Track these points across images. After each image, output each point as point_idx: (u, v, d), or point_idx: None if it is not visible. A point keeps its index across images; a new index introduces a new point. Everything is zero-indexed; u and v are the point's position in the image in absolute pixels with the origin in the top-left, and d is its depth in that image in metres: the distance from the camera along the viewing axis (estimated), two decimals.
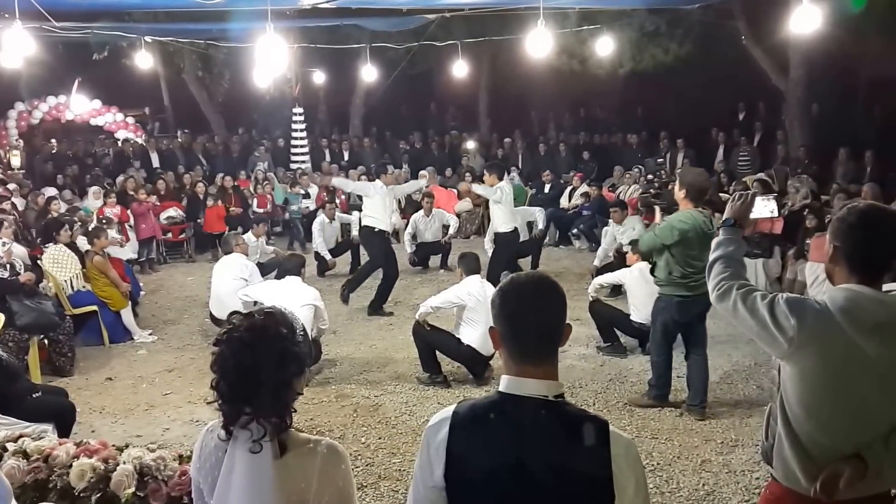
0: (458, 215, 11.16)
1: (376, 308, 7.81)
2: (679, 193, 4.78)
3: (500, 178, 7.93)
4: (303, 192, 12.33)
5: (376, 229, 7.82)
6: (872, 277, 2.01)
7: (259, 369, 1.69)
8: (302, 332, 1.81)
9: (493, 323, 1.68)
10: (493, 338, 1.68)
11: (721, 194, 10.05)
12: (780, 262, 8.13)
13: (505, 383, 1.64)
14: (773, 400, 2.15)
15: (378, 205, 7.85)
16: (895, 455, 1.98)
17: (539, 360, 1.62)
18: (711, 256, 2.30)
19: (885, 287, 2.06)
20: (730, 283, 2.18)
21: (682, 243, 4.65)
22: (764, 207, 2.48)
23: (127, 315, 7.22)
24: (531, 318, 1.62)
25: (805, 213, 8.22)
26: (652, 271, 4.96)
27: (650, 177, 11.73)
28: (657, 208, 6.45)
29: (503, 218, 8.03)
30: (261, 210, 11.76)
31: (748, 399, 5.31)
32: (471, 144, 14.57)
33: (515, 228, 8.25)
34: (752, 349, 6.09)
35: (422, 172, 13.04)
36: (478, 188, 8.37)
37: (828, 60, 11.49)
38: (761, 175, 11.00)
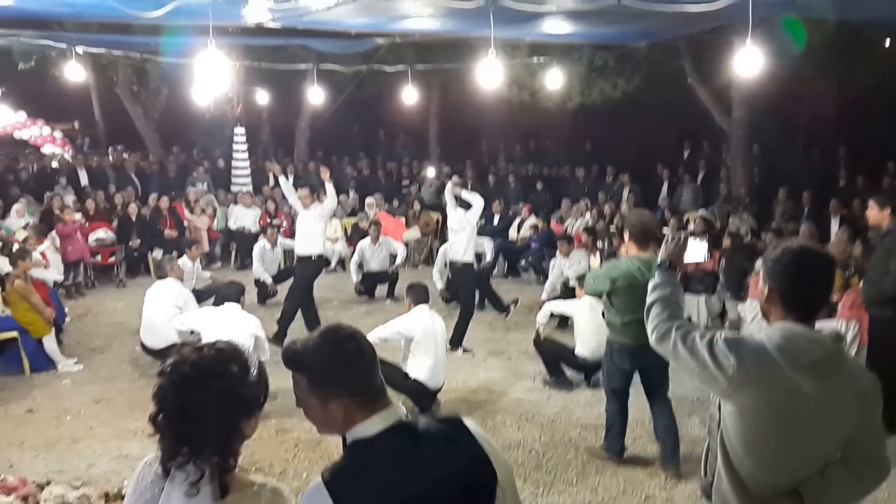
0: (406, 244, 11.01)
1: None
2: (626, 241, 4.66)
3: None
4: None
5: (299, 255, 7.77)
6: (806, 316, 2.06)
7: (201, 408, 1.61)
8: (256, 373, 1.72)
9: (338, 387, 1.65)
10: (339, 411, 1.65)
11: (664, 228, 10.25)
12: (722, 298, 8.27)
13: (357, 433, 1.64)
14: (712, 437, 2.18)
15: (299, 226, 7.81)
16: (830, 490, 2.04)
17: (381, 395, 1.68)
18: (649, 299, 2.33)
19: (818, 325, 2.11)
20: (668, 325, 2.22)
21: (615, 292, 4.50)
22: (697, 250, 2.56)
23: (50, 342, 6.85)
24: (367, 363, 1.69)
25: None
26: (603, 314, 4.86)
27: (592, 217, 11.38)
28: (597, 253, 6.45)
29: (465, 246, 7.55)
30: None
31: (691, 435, 5.30)
32: (430, 172, 14.45)
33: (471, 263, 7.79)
34: (694, 385, 6.11)
35: (368, 200, 12.87)
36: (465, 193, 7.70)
37: (769, 102, 11.83)
38: (704, 212, 11.26)
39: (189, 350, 1.70)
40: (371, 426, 1.64)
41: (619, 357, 4.68)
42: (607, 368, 4.84)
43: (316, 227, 7.56)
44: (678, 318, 2.24)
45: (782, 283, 2.06)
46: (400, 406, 1.71)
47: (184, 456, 1.62)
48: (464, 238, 7.42)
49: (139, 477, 1.73)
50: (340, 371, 1.65)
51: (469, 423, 1.73)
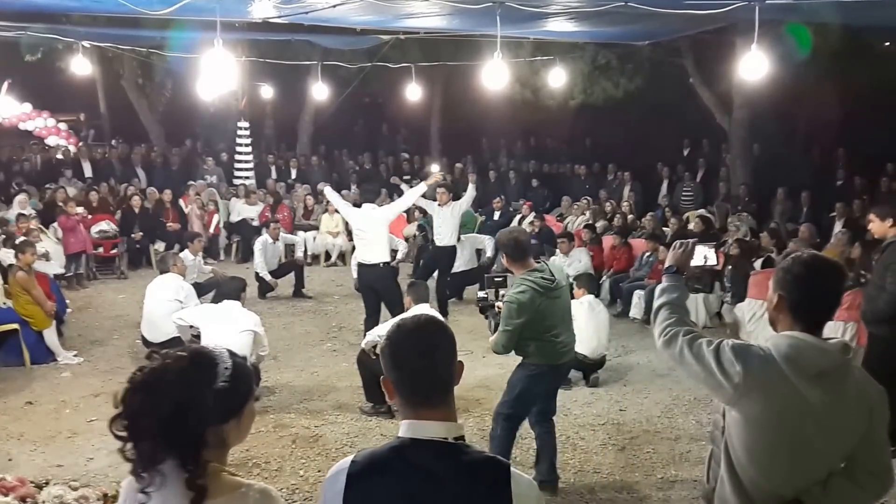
0: (406, 239, 11.03)
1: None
2: (506, 262, 4.30)
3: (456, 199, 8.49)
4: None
5: (368, 263, 6.89)
6: (815, 325, 2.06)
7: (155, 417, 1.60)
8: (226, 380, 1.61)
9: (386, 372, 1.65)
10: (386, 388, 1.66)
11: (664, 228, 10.26)
12: (721, 297, 8.28)
13: (405, 428, 1.62)
14: (716, 444, 2.17)
15: (372, 235, 6.89)
16: (833, 500, 2.04)
17: (435, 403, 1.62)
18: (656, 303, 2.34)
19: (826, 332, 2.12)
20: (675, 330, 2.22)
21: (530, 313, 4.03)
22: (703, 256, 2.60)
23: (50, 335, 6.85)
24: (424, 363, 1.62)
25: (730, 244, 8.50)
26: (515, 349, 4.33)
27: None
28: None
29: (444, 232, 8.43)
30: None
31: (688, 434, 5.31)
32: (434, 168, 14.44)
33: (454, 247, 8.59)
34: (692, 383, 6.08)
35: None
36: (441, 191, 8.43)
37: (770, 103, 11.82)
38: (703, 211, 11.27)
39: (159, 356, 1.66)
40: (421, 429, 1.59)
41: (553, 377, 4.37)
42: (539, 393, 4.34)
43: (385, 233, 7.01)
44: (685, 324, 2.25)
45: (792, 292, 2.07)
46: (459, 426, 1.62)
47: (153, 462, 1.59)
48: (448, 227, 8.35)
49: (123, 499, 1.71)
50: (394, 359, 1.63)
51: (516, 473, 1.58)
